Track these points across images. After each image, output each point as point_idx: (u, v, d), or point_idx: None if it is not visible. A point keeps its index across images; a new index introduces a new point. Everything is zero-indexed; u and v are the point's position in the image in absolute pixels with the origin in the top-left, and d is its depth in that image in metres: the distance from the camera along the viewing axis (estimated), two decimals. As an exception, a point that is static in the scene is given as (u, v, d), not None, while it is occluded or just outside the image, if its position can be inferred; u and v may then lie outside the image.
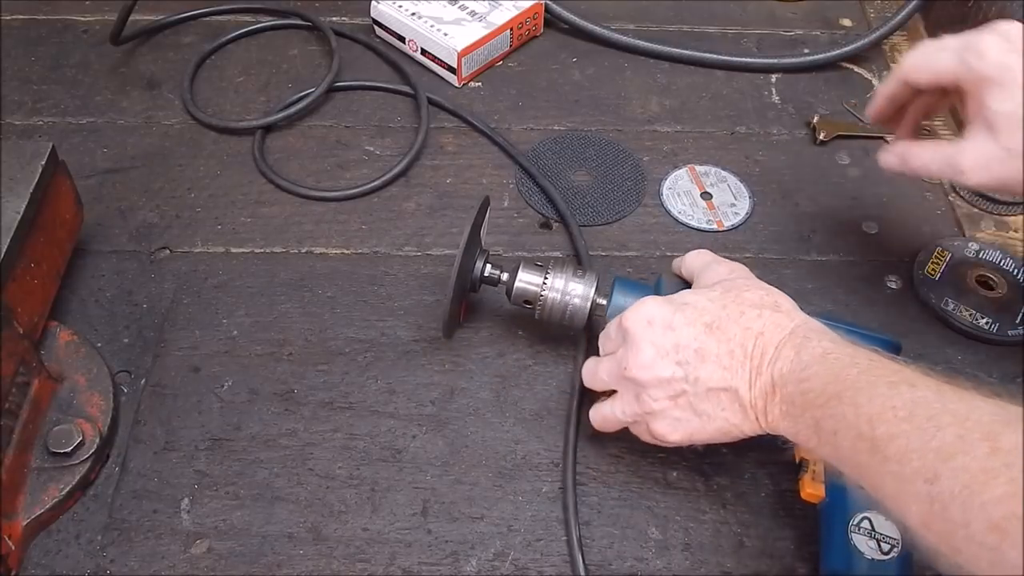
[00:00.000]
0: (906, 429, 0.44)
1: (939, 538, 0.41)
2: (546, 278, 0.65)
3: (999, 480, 0.39)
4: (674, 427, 0.56)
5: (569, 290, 0.65)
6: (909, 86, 0.64)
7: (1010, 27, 0.58)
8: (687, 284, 0.64)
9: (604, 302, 0.65)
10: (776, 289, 0.58)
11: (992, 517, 0.39)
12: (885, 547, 0.56)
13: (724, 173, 0.83)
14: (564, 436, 0.66)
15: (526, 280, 0.66)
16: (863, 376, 0.48)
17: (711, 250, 0.65)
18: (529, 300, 0.66)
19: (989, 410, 0.43)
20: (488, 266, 0.67)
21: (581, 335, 0.70)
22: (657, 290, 0.65)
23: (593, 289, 0.65)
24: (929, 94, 0.65)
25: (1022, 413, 0.42)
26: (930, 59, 0.61)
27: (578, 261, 0.76)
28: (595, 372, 0.61)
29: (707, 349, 0.54)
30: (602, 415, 0.61)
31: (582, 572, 0.59)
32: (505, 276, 0.67)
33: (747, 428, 0.54)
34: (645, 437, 0.59)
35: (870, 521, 0.57)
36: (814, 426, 0.49)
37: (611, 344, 0.60)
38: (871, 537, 0.56)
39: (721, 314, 0.55)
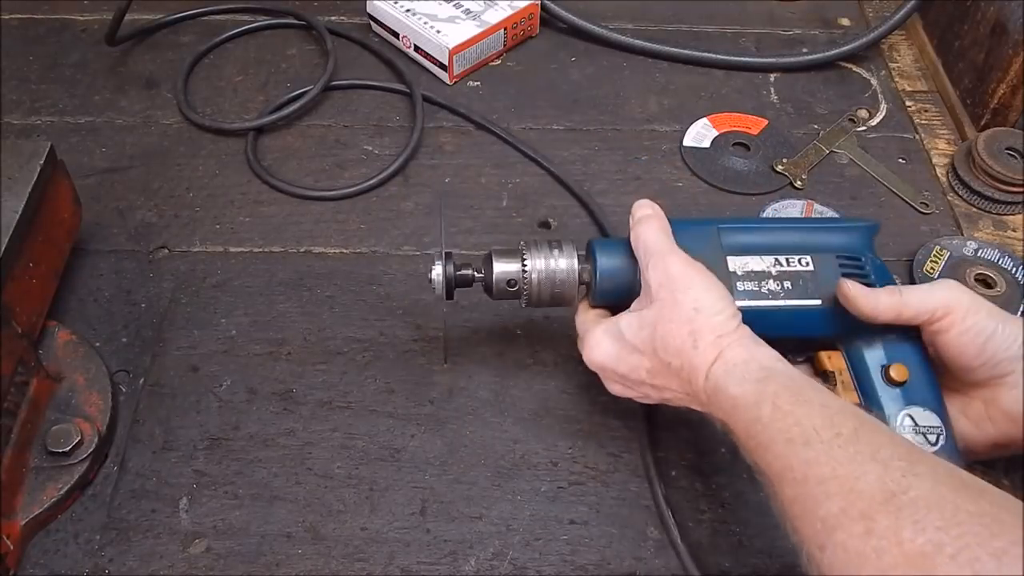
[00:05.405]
0: (801, 493, 0.45)
1: None
2: (524, 262, 0.62)
3: (868, 567, 0.40)
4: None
5: (552, 267, 0.61)
6: None
7: None
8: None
9: (588, 268, 0.62)
10: (700, 312, 0.54)
11: None
12: (932, 438, 0.55)
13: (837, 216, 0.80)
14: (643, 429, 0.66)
15: (504, 270, 0.61)
16: (765, 432, 0.49)
17: None
18: (513, 289, 0.62)
19: (874, 478, 0.43)
20: (458, 269, 0.63)
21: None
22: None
23: (575, 258, 0.61)
24: None
25: (910, 480, 0.42)
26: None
27: (603, 232, 0.77)
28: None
29: (660, 384, 0.57)
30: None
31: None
32: (480, 274, 0.63)
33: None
34: None
35: (911, 417, 0.55)
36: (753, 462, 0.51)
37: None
38: (916, 432, 0.55)
39: (654, 361, 0.56)
